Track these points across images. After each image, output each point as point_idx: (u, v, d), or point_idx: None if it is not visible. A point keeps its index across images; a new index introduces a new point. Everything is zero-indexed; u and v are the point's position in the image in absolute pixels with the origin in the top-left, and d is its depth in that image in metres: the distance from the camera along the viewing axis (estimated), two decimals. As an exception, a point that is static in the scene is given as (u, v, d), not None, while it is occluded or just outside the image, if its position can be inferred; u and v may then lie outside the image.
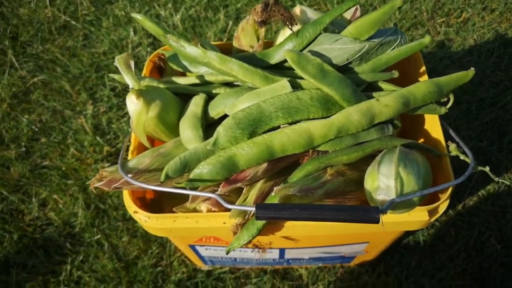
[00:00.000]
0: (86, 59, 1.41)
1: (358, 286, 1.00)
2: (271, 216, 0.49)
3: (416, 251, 1.03)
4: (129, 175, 0.61)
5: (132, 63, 0.65)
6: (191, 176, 0.59)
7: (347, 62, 0.64)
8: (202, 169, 0.58)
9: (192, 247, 0.82)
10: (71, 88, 1.34)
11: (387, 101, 0.60)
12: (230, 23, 1.45)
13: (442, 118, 0.69)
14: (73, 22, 1.51)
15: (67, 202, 1.13)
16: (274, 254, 0.85)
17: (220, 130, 0.59)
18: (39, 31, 1.49)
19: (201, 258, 0.91)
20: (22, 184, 1.16)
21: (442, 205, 0.63)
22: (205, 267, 1.02)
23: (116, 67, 0.63)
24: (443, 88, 0.63)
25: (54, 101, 1.32)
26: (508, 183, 1.11)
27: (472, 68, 0.65)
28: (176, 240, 0.81)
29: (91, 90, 1.34)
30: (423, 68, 0.74)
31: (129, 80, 0.62)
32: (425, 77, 0.73)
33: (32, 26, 1.51)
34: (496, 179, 0.55)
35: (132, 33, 1.45)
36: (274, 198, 0.57)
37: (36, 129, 1.26)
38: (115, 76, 0.72)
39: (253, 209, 0.50)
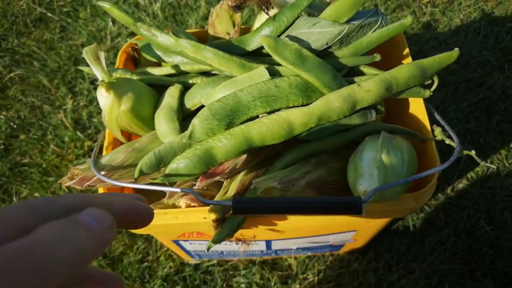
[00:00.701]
0: (64, 52, 1.37)
1: (348, 273, 0.98)
2: (249, 210, 0.47)
3: (405, 236, 1.02)
4: (102, 173, 0.58)
5: (102, 55, 0.62)
6: (167, 171, 0.56)
7: (326, 46, 0.61)
8: (178, 164, 0.55)
9: (176, 242, 0.80)
10: (49, 83, 1.30)
11: (369, 86, 0.58)
12: (212, 10, 1.41)
13: (427, 101, 0.67)
14: (49, 14, 1.46)
15: (49, 200, 1.09)
16: (261, 246, 0.83)
17: (196, 122, 0.56)
18: (14, 24, 1.44)
19: (187, 252, 0.89)
20: (2, 183, 1.13)
21: (429, 191, 0.61)
22: (192, 261, 1.01)
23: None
24: (426, 70, 0.60)
25: (32, 97, 1.28)
26: (496, 164, 1.09)
27: (456, 49, 0.62)
28: (158, 236, 0.79)
29: (70, 83, 1.30)
30: (407, 50, 0.72)
31: (98, 72, 0.59)
32: (409, 60, 0.71)
33: (6, 19, 1.45)
34: (482, 163, 0.53)
35: (110, 24, 1.40)
36: (254, 191, 0.55)
37: (15, 126, 1.22)
38: (85, 69, 0.69)
39: (230, 203, 0.48)
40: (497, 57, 1.27)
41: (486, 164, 0.54)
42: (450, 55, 0.62)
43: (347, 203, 0.45)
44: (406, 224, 1.04)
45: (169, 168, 0.56)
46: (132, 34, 1.38)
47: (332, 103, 0.56)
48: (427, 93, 0.63)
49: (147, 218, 0.29)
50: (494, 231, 1.01)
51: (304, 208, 0.45)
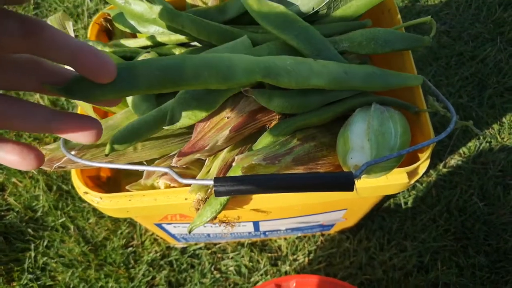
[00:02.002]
0: (38, 30, 1.29)
1: (339, 253, 0.96)
2: (232, 190, 0.43)
3: (397, 214, 1.00)
4: (73, 152, 0.54)
5: (69, 25, 0.57)
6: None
7: (313, 12, 0.57)
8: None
9: (159, 226, 0.76)
10: (24, 62, 1.23)
11: (325, 63, 0.51)
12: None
13: (419, 73, 0.63)
14: (22, -10, 1.38)
15: (27, 185, 1.05)
16: (248, 228, 0.80)
17: (175, 106, 0.51)
18: (-15, 1, 1.36)
19: (172, 235, 0.86)
20: (-23, 169, 1.08)
21: (422, 166, 0.58)
22: (178, 245, 0.97)
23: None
24: (389, 77, 0.56)
25: (6, 77, 1.21)
26: (489, 139, 1.07)
27: (421, 77, 0.58)
28: (139, 219, 0.75)
29: (46, 63, 1.24)
30: (398, 17, 0.68)
31: (64, 43, 0.54)
32: (401, 30, 0.67)
33: (-24, -4, 1.37)
34: (480, 133, 0.49)
35: (88, 0, 1.33)
36: (236, 168, 0.51)
37: (-11, 109, 1.16)
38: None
39: (211, 182, 0.44)
40: (489, 29, 1.24)
41: (482, 135, 0.51)
42: (417, 78, 0.59)
43: (336, 179, 0.41)
44: (398, 202, 1.01)
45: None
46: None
47: (284, 60, 0.47)
48: (427, 39, 0.59)
49: (103, 64, 0.26)
50: (487, 207, 0.99)
51: (291, 185, 0.41)
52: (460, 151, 1.06)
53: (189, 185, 0.56)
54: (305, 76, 0.48)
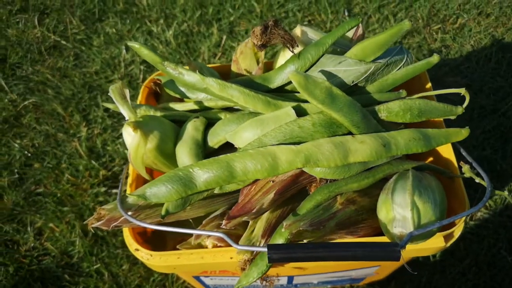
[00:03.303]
0: (77, 80, 1.38)
1: (368, 306, 0.97)
2: (285, 257, 0.46)
3: (426, 267, 1.00)
4: (129, 213, 0.58)
5: (127, 92, 0.62)
6: (146, 188, 0.55)
7: (352, 85, 0.61)
8: (158, 183, 0.54)
9: (197, 278, 0.78)
10: (64, 110, 1.30)
11: (363, 138, 0.56)
12: (224, 37, 1.43)
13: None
14: (63, 42, 1.48)
15: (63, 230, 1.09)
16: (282, 281, 0.82)
17: None
18: (29, 52, 1.46)
19: (206, 286, 0.88)
20: (16, 213, 1.12)
21: (457, 230, 0.60)
22: (209, 294, 0.99)
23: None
24: (431, 139, 0.59)
25: (47, 124, 1.28)
26: (515, 192, 1.08)
27: (467, 128, 0.61)
28: (179, 272, 0.78)
29: (84, 111, 1.31)
30: (429, 85, 0.72)
31: (124, 111, 0.59)
32: (432, 95, 0.71)
33: (21, 47, 1.47)
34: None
35: (124, 51, 1.42)
36: (284, 233, 0.54)
37: (29, 154, 1.23)
38: (110, 106, 0.69)
39: (265, 250, 0.47)
40: (510, 83, 1.28)
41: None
42: (459, 132, 0.61)
43: (385, 249, 0.44)
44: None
45: (149, 185, 0.55)
46: (146, 62, 1.39)
47: (322, 146, 0.55)
48: (460, 110, 0.63)
49: None
50: (516, 262, 0.99)
51: (342, 254, 0.44)
52: (487, 204, 1.07)
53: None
54: (343, 157, 0.54)
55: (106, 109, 1.30)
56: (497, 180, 1.12)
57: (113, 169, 1.18)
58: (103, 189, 1.14)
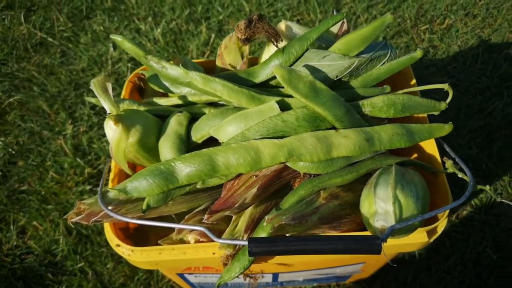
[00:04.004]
0: (64, 77, 1.36)
1: (354, 304, 0.96)
2: (266, 250, 0.46)
3: (412, 265, 1.01)
4: (110, 207, 0.57)
5: (109, 86, 0.61)
6: (127, 183, 0.54)
7: (336, 79, 0.61)
8: (139, 177, 0.53)
9: (181, 275, 0.78)
10: (49, 108, 1.29)
11: (347, 133, 0.56)
12: (213, 35, 1.42)
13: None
14: (50, 39, 1.46)
15: (47, 228, 1.07)
16: (267, 278, 0.81)
17: None
18: (14, 49, 1.44)
19: (191, 284, 0.87)
20: (-1, 211, 1.11)
21: (441, 225, 0.60)
22: (195, 292, 0.98)
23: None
24: (414, 134, 0.59)
25: (32, 122, 1.26)
26: (500, 191, 1.09)
27: (450, 123, 0.62)
28: (163, 269, 0.77)
29: (70, 109, 1.29)
30: (413, 81, 0.72)
31: (106, 105, 0.58)
32: (416, 90, 0.71)
33: (6, 44, 1.45)
34: (498, 199, 0.52)
35: (111, 49, 1.40)
36: (266, 228, 0.54)
37: (13, 152, 1.21)
38: (92, 100, 0.68)
39: (246, 243, 0.46)
40: (496, 83, 1.29)
41: (503, 200, 0.54)
42: (443, 127, 0.61)
43: (365, 242, 0.44)
44: (412, 252, 1.02)
45: (130, 179, 0.54)
46: (134, 59, 1.38)
47: (305, 140, 0.55)
48: (443, 105, 0.63)
49: None
50: (501, 260, 1.00)
51: (323, 247, 0.44)
52: (472, 202, 1.08)
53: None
54: (326, 151, 0.54)
55: (93, 107, 1.29)
56: (483, 179, 1.12)
57: (98, 167, 1.17)
58: (88, 187, 1.13)
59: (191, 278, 0.80)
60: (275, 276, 0.79)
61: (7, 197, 1.12)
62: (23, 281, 1.00)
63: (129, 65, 1.36)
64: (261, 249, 0.45)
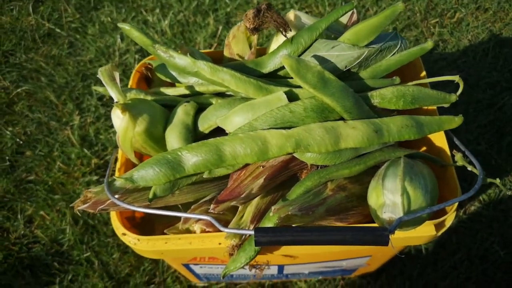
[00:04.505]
0: (71, 68, 1.36)
1: (359, 298, 0.96)
2: (272, 240, 0.45)
3: (418, 260, 1.00)
4: (116, 196, 0.57)
5: (116, 75, 0.61)
6: (134, 171, 0.53)
7: (345, 70, 0.61)
8: (146, 166, 0.53)
9: (186, 266, 0.78)
10: (57, 99, 1.29)
11: (355, 124, 0.55)
12: (220, 27, 1.41)
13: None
14: (58, 30, 1.46)
15: (54, 218, 1.08)
16: (273, 270, 0.81)
17: None
18: (22, 39, 1.44)
19: (196, 275, 0.87)
20: (7, 201, 1.11)
21: (449, 218, 0.59)
22: (200, 283, 0.98)
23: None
24: (423, 126, 0.58)
25: (39, 112, 1.27)
26: (509, 186, 1.08)
27: (460, 115, 0.60)
28: (168, 259, 0.77)
29: (78, 100, 1.30)
30: (423, 74, 0.71)
31: (113, 93, 0.58)
32: (426, 83, 0.70)
33: (14, 34, 1.45)
34: (509, 192, 0.51)
35: (119, 40, 1.40)
36: (272, 218, 0.53)
37: (21, 142, 1.21)
38: (100, 89, 0.68)
39: (252, 233, 0.46)
40: (506, 78, 1.27)
41: (509, 190, 0.53)
42: (453, 119, 0.60)
43: (373, 233, 0.44)
44: (418, 247, 1.02)
45: (137, 168, 0.54)
46: (141, 51, 1.38)
47: (313, 131, 0.54)
48: (453, 97, 0.62)
49: None
50: (509, 256, 0.99)
51: (330, 238, 0.44)
52: (480, 198, 1.07)
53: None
54: (334, 142, 0.54)
55: (100, 98, 1.29)
56: (492, 174, 1.11)
57: (105, 157, 1.17)
58: (95, 178, 1.13)
59: (197, 269, 0.80)
60: (281, 268, 0.79)
61: (15, 187, 1.13)
62: (30, 269, 1.01)
63: (137, 56, 1.36)
64: (268, 239, 0.45)
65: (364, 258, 0.77)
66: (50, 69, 1.36)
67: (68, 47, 1.42)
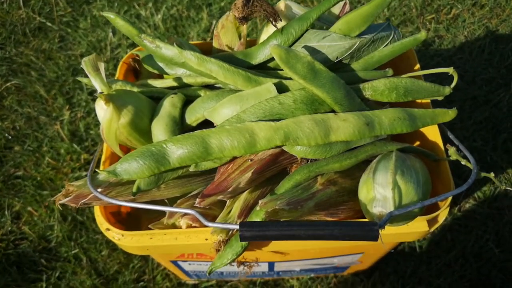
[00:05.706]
0: (62, 62, 1.34)
1: (352, 296, 0.95)
2: (258, 235, 0.44)
3: (412, 258, 0.99)
4: (99, 190, 0.55)
5: (101, 65, 0.59)
6: (118, 164, 0.52)
7: (336, 61, 0.59)
8: (130, 158, 0.51)
9: (175, 263, 0.76)
10: (47, 93, 1.27)
11: (346, 116, 0.54)
12: (214, 22, 1.39)
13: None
14: (49, 24, 1.44)
15: (42, 214, 1.06)
16: (263, 267, 0.79)
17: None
18: (13, 33, 1.42)
19: (185, 272, 0.86)
20: (-6, 196, 1.09)
21: (442, 214, 0.58)
22: (190, 281, 0.96)
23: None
24: (416, 119, 0.57)
25: (29, 107, 1.24)
26: (504, 184, 1.07)
27: (454, 109, 0.59)
28: (155, 256, 0.75)
29: (68, 94, 1.27)
30: (417, 66, 0.70)
31: (97, 84, 0.56)
32: (420, 74, 0.68)
33: (5, 28, 1.43)
34: (502, 187, 0.50)
35: (111, 34, 1.38)
36: (259, 212, 0.52)
37: (9, 137, 1.19)
38: (84, 80, 0.66)
39: (237, 227, 0.44)
40: (502, 74, 1.26)
41: (507, 188, 0.51)
42: (446, 112, 0.59)
43: (362, 228, 0.42)
44: (412, 245, 1.00)
45: (120, 161, 0.52)
46: (133, 45, 1.36)
47: (302, 123, 0.52)
48: (447, 90, 0.60)
49: None
50: (503, 254, 0.97)
51: (317, 233, 0.42)
52: (475, 195, 1.06)
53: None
54: (324, 135, 0.52)
55: (91, 93, 1.27)
56: (487, 171, 1.09)
57: (95, 153, 1.15)
58: (84, 173, 1.11)
59: (185, 266, 0.78)
60: (271, 265, 0.77)
61: (3, 182, 1.11)
62: (17, 266, 0.99)
63: (128, 50, 1.34)
64: (253, 234, 0.43)
65: (356, 255, 0.75)
66: (41, 63, 1.34)
67: (59, 41, 1.40)
